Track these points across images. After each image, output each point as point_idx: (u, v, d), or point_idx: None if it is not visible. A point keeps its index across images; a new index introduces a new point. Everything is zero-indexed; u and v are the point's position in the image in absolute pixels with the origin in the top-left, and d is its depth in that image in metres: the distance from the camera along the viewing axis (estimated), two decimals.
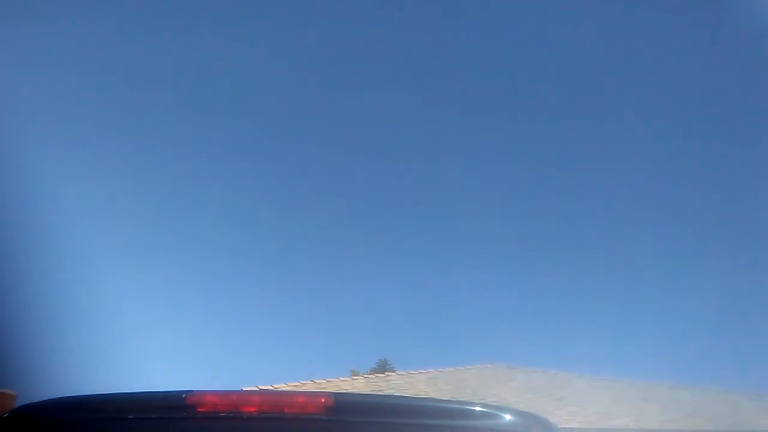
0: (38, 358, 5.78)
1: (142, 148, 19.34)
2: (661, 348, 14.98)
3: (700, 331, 17.35)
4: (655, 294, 18.53)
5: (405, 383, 13.01)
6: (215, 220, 19.97)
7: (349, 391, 11.44)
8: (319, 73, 21.19)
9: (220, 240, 20.81)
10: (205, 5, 18.54)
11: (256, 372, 30.59)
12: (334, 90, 22.01)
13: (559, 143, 21.27)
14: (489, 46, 20.83)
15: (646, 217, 19.28)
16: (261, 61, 20.85)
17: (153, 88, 19.03)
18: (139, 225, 17.44)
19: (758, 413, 11.77)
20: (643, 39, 19.43)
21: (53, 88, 13.87)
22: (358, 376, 15.51)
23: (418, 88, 21.76)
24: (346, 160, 23.02)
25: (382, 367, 23.39)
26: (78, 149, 14.12)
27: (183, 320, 18.02)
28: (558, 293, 23.79)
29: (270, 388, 10.78)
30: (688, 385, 13.55)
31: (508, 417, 1.77)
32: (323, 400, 1.75)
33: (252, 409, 1.75)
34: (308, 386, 11.54)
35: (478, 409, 1.79)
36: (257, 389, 9.27)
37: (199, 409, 1.74)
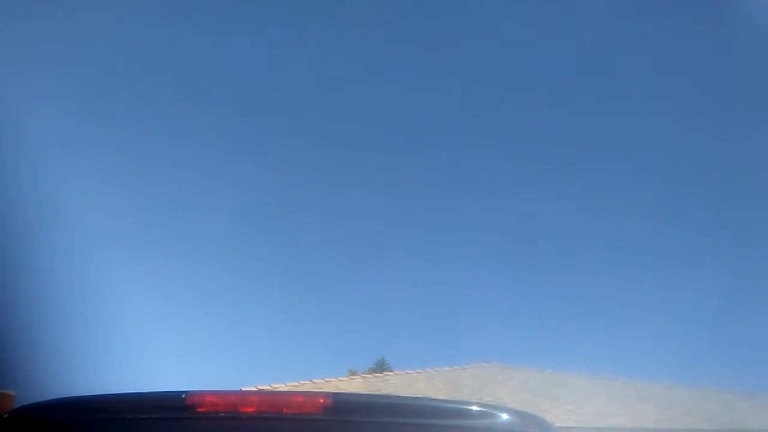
0: (38, 358, 5.77)
1: (144, 144, 19.32)
2: (657, 347, 15.02)
3: (696, 330, 17.43)
4: (651, 294, 18.58)
5: (403, 383, 13.04)
6: (215, 220, 19.93)
7: (348, 391, 11.47)
8: (315, 68, 21.18)
9: (218, 240, 20.77)
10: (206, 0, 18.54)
11: (255, 372, 30.56)
12: (332, 84, 22.02)
13: (559, 142, 21.29)
14: (490, 39, 20.79)
15: (643, 217, 19.32)
16: (262, 56, 20.80)
17: (155, 83, 19.00)
18: (138, 224, 17.41)
19: (753, 412, 11.82)
20: (643, 39, 19.50)
21: (55, 84, 13.83)
22: (356, 375, 15.54)
23: (420, 81, 21.66)
24: (347, 159, 23.01)
25: (380, 367, 23.42)
26: (80, 145, 14.08)
27: (182, 321, 17.99)
28: (554, 293, 23.90)
29: (268, 388, 10.80)
30: (684, 384, 13.60)
31: (504, 416, 1.78)
32: (322, 400, 1.75)
33: (251, 410, 1.76)
34: (307, 386, 11.57)
35: (475, 408, 1.79)
36: (256, 389, 9.29)
37: (198, 410, 1.75)
